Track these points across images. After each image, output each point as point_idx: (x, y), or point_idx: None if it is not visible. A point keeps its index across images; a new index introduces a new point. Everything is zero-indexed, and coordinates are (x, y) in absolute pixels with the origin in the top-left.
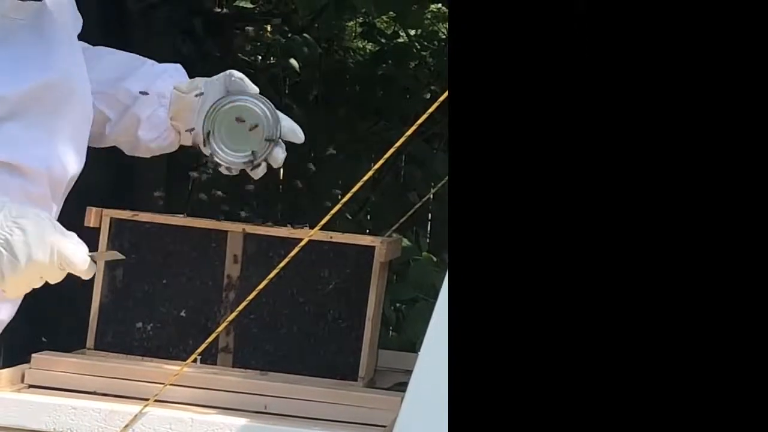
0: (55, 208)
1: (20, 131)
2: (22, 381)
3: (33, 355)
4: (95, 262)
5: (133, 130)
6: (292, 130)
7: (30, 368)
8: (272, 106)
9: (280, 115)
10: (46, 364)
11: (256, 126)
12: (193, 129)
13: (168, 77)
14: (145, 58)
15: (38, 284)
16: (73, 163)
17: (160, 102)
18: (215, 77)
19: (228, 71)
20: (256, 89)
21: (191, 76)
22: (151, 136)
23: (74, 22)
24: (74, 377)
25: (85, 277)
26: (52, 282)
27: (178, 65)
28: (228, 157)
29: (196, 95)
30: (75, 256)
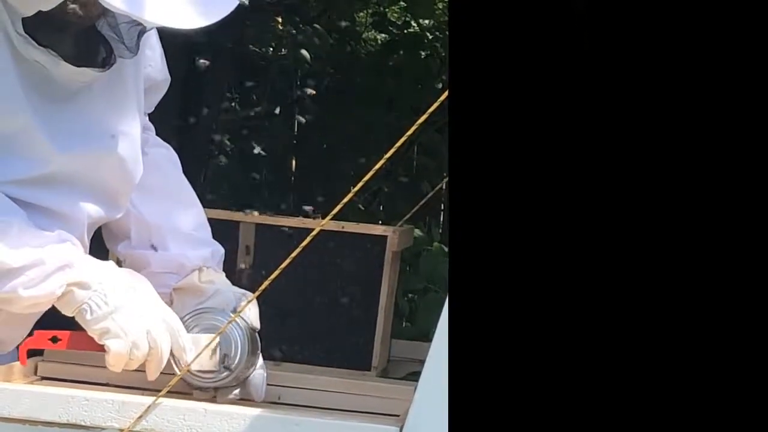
0: (86, 246)
1: (66, 184)
2: (35, 373)
3: (45, 350)
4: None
5: (137, 269)
6: (256, 386)
7: (43, 360)
8: (255, 346)
9: (259, 361)
10: (59, 356)
11: (226, 356)
12: (184, 318)
13: (199, 253)
14: (201, 215)
15: (143, 347)
16: (111, 212)
17: (178, 271)
18: (233, 291)
19: (248, 295)
20: (257, 324)
21: (203, 66)
22: None
23: (158, 82)
24: (87, 369)
25: (110, 363)
26: (135, 352)
27: (221, 252)
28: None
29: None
30: (175, 318)
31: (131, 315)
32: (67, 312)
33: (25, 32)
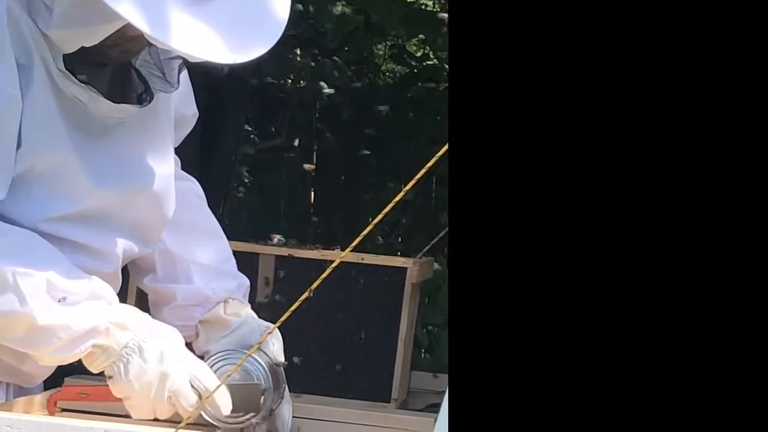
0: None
1: (101, 220)
2: (55, 405)
3: (65, 378)
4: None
5: (163, 302)
6: (283, 420)
7: None
8: (279, 381)
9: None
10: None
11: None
12: (208, 351)
13: (225, 286)
14: (227, 248)
15: (165, 407)
16: (144, 248)
17: (203, 303)
18: (259, 323)
19: (270, 329)
20: (281, 358)
21: (221, 100)
22: (173, 321)
23: (186, 117)
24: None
25: (224, 409)
26: (184, 411)
27: (247, 284)
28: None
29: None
30: (204, 373)
31: (153, 380)
32: (92, 370)
33: (66, 68)
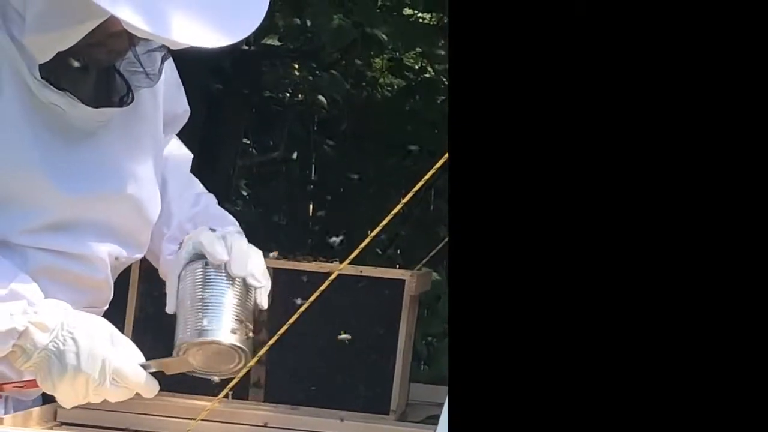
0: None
1: (82, 227)
2: (55, 419)
3: None
4: (154, 376)
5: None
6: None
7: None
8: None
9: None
10: None
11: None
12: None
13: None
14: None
15: (93, 398)
16: (133, 252)
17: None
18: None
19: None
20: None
21: (220, 113)
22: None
23: (176, 115)
24: (106, 414)
25: (147, 394)
26: (113, 400)
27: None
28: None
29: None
30: (125, 369)
31: (75, 381)
32: (17, 368)
33: (42, 77)
